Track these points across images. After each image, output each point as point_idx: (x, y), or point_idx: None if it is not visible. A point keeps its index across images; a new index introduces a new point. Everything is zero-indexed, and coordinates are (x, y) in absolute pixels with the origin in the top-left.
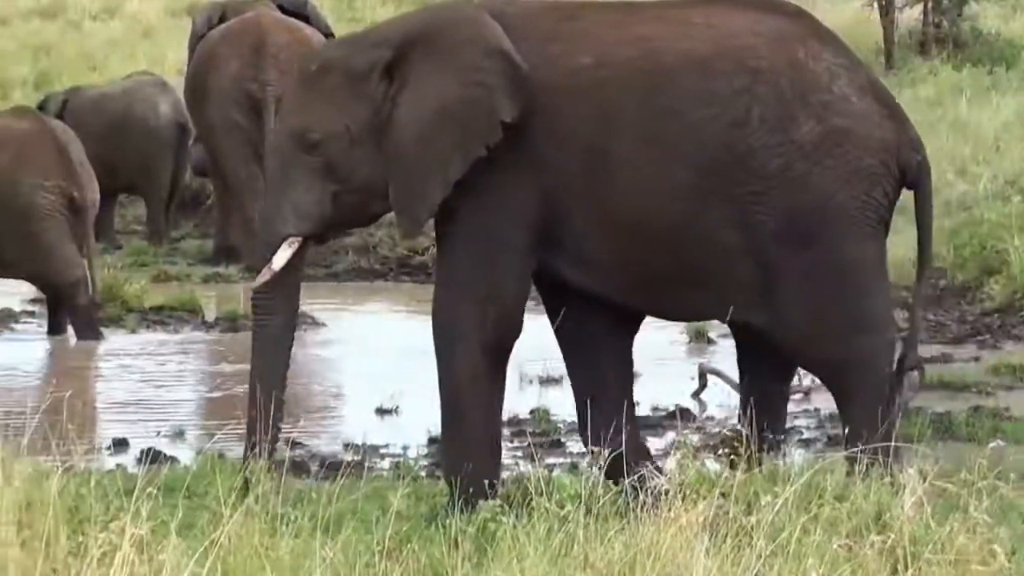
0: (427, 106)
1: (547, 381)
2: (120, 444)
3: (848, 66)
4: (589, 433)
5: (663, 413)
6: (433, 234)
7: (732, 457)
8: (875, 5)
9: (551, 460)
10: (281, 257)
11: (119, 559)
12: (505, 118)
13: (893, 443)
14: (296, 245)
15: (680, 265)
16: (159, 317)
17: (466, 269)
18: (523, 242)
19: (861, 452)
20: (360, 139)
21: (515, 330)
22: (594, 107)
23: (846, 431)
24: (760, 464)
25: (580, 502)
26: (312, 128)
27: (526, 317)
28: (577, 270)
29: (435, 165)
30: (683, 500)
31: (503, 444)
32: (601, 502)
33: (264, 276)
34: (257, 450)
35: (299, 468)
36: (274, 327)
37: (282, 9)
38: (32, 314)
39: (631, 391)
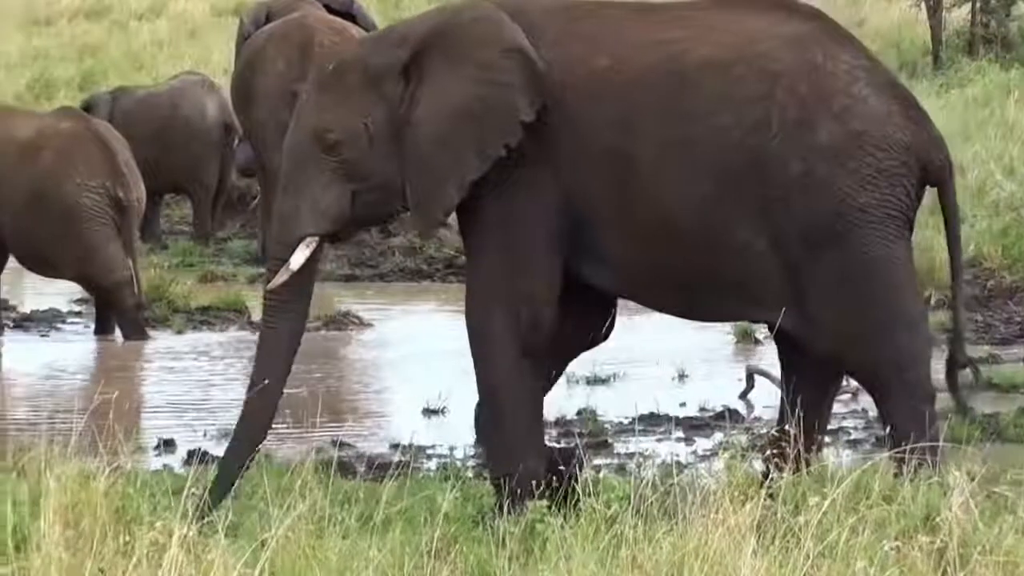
0: (444, 105)
1: (595, 381)
2: (167, 444)
3: (867, 67)
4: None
5: (711, 413)
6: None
7: (776, 460)
8: (922, 5)
9: (598, 461)
10: (299, 257)
11: (167, 560)
12: (524, 118)
13: (940, 443)
14: (313, 245)
15: (702, 268)
16: (205, 317)
17: (495, 271)
18: (550, 241)
19: (909, 452)
20: (378, 139)
21: (550, 326)
22: (614, 110)
23: (890, 432)
24: (808, 465)
25: (629, 504)
26: (331, 128)
27: None
28: (600, 271)
29: (451, 165)
30: (731, 501)
31: (549, 444)
32: (649, 502)
33: (282, 276)
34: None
35: (346, 469)
36: (283, 329)
37: (328, 9)
38: (79, 314)
39: None
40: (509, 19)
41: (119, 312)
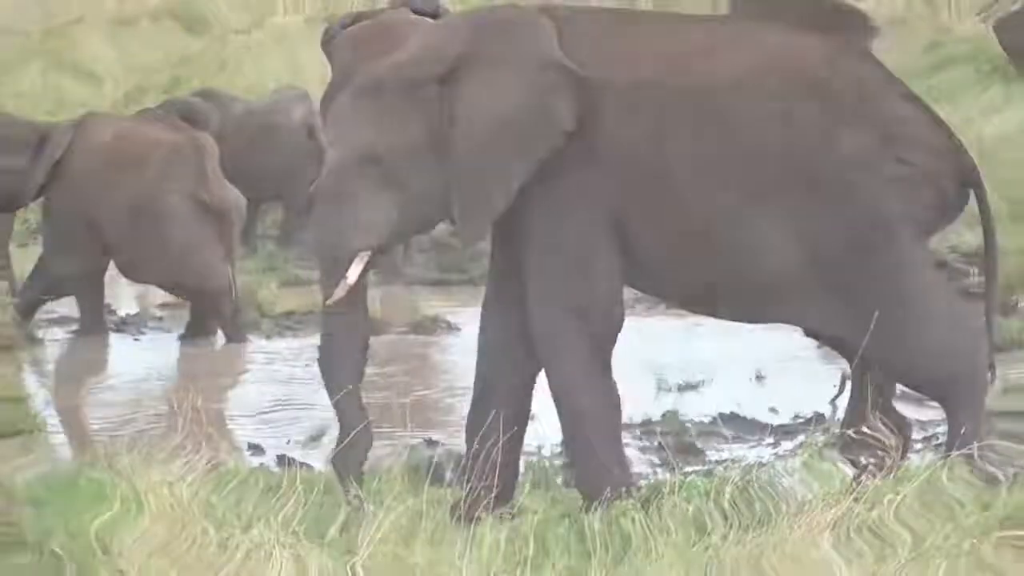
0: (486, 117)
1: (685, 387)
2: (255, 448)
3: (889, 78)
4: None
5: (802, 420)
6: None
7: (871, 466)
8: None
9: (686, 462)
10: (355, 271)
11: (274, 557)
12: (568, 127)
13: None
14: (367, 258)
15: (748, 278)
16: (289, 323)
17: (557, 275)
18: (605, 241)
19: (968, 448)
20: (419, 150)
21: (617, 323)
22: (649, 116)
23: (952, 428)
24: (897, 468)
25: (710, 500)
26: (372, 141)
27: (661, 323)
28: (639, 274)
29: (497, 175)
30: (823, 509)
31: (638, 451)
32: (731, 500)
33: (341, 291)
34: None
35: (437, 470)
36: (343, 342)
37: (414, 11)
38: (160, 319)
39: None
40: (546, 25)
41: (216, 318)
